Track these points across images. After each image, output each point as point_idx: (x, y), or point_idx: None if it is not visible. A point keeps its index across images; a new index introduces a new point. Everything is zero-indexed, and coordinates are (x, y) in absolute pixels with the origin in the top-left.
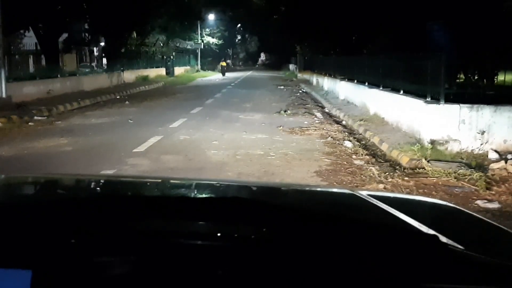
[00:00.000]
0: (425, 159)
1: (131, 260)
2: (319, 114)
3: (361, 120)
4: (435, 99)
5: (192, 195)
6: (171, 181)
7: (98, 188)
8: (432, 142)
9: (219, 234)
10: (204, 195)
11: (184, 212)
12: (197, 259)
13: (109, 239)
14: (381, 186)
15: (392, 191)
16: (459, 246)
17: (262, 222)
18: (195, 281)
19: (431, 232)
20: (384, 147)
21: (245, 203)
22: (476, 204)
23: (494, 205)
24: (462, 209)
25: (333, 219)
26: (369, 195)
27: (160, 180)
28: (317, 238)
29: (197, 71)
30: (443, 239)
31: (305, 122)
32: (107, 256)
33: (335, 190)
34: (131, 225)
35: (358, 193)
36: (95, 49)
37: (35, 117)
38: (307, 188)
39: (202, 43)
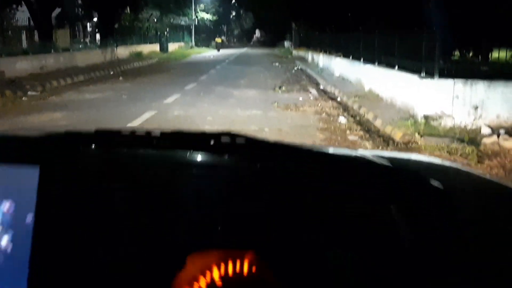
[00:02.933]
0: (418, 134)
1: (135, 187)
2: (314, 91)
3: (355, 96)
4: (430, 74)
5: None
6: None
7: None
8: (426, 117)
9: (216, 164)
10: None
11: (179, 143)
12: (197, 188)
13: (112, 160)
14: None
15: None
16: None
17: (259, 158)
18: (197, 206)
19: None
20: (378, 122)
21: (239, 143)
22: None
23: None
24: (462, 168)
25: (332, 156)
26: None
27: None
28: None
29: (191, 47)
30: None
31: (300, 99)
32: (110, 181)
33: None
34: (130, 152)
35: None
36: (88, 24)
37: (29, 93)
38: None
39: (197, 19)
